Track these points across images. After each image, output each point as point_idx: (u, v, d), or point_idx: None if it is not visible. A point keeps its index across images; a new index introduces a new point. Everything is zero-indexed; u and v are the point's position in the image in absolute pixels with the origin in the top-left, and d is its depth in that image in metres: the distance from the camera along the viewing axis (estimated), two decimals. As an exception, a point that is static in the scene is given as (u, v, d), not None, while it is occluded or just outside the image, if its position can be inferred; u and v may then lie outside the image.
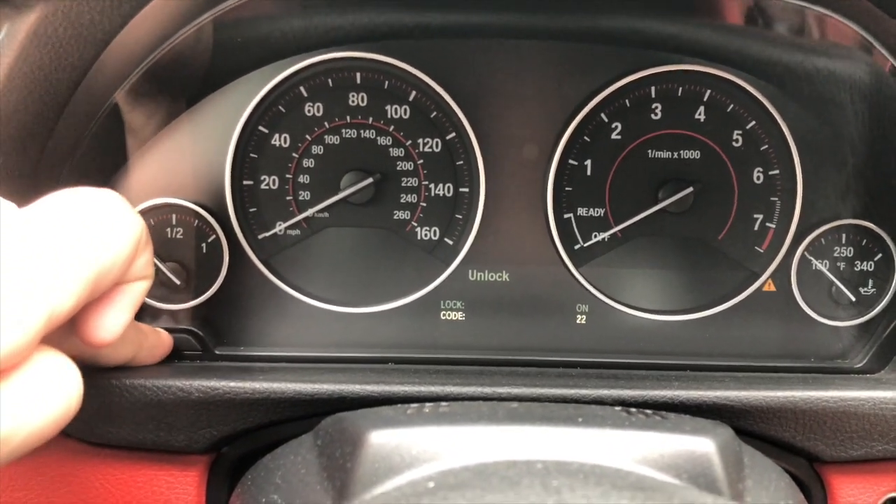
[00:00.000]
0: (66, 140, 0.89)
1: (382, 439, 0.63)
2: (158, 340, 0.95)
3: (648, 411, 0.73)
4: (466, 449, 0.61)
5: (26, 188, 0.87)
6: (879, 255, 1.07)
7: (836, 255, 1.07)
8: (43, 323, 0.59)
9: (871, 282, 1.07)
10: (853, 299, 1.06)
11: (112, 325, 0.72)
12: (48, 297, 0.60)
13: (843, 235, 1.07)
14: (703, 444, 0.63)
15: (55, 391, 0.62)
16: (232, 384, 0.88)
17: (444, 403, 0.74)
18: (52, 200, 0.68)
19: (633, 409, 0.73)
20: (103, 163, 0.99)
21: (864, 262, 1.07)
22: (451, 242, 1.08)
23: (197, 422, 0.88)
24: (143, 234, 0.73)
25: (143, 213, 1.02)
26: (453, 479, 0.53)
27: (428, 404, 0.73)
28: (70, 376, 0.64)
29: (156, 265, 1.02)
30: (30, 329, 0.58)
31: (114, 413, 0.87)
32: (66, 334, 0.73)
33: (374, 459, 0.62)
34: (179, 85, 1.00)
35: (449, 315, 1.08)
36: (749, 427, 0.90)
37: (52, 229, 0.64)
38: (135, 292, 0.75)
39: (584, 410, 0.68)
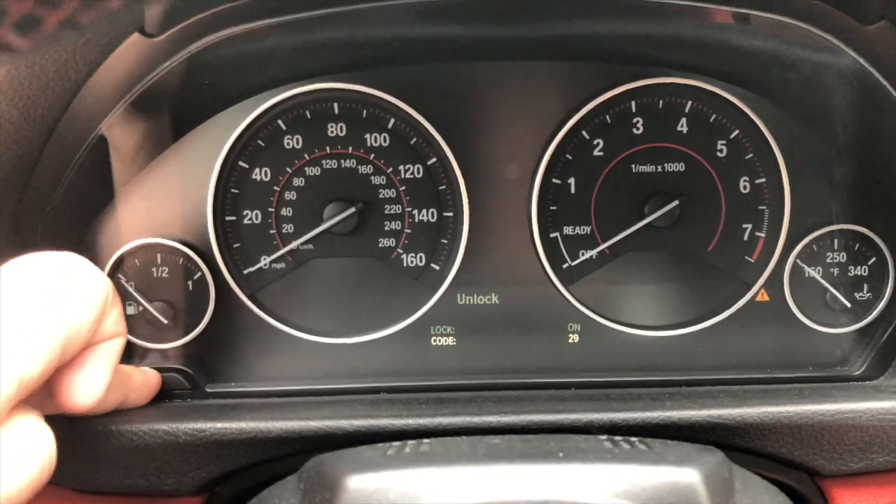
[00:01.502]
0: (43, 189, 0.90)
1: (360, 484, 0.62)
2: (145, 380, 0.95)
3: (634, 440, 0.72)
4: (444, 491, 0.60)
5: (5, 238, 0.87)
6: (873, 259, 1.05)
7: (828, 261, 1.06)
8: (13, 391, 0.59)
9: (866, 286, 1.05)
10: (848, 305, 1.05)
11: (90, 387, 0.72)
12: (16, 364, 0.60)
13: (835, 241, 1.05)
14: (687, 475, 0.62)
15: (30, 453, 0.62)
16: (219, 425, 0.87)
17: (426, 441, 0.73)
18: (14, 267, 0.68)
19: (619, 439, 0.72)
20: (83, 207, 0.99)
21: (858, 267, 1.05)
22: (437, 268, 1.07)
23: (186, 464, 0.88)
24: (111, 293, 0.73)
25: (128, 253, 1.02)
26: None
27: (410, 442, 0.72)
28: (44, 437, 0.64)
29: (142, 305, 1.02)
30: (1, 396, 0.58)
31: (102, 459, 0.86)
32: (48, 396, 0.73)
33: (352, 506, 0.61)
34: (156, 125, 1.00)
35: (439, 340, 1.07)
36: (745, 444, 0.89)
37: (15, 296, 0.64)
38: (109, 351, 0.74)
39: (566, 443, 0.67)
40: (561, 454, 0.64)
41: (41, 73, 0.77)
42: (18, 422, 0.62)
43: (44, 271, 0.68)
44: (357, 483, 0.62)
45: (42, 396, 0.72)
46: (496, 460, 0.63)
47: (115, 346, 0.75)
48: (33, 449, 0.62)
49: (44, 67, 0.76)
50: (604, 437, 0.74)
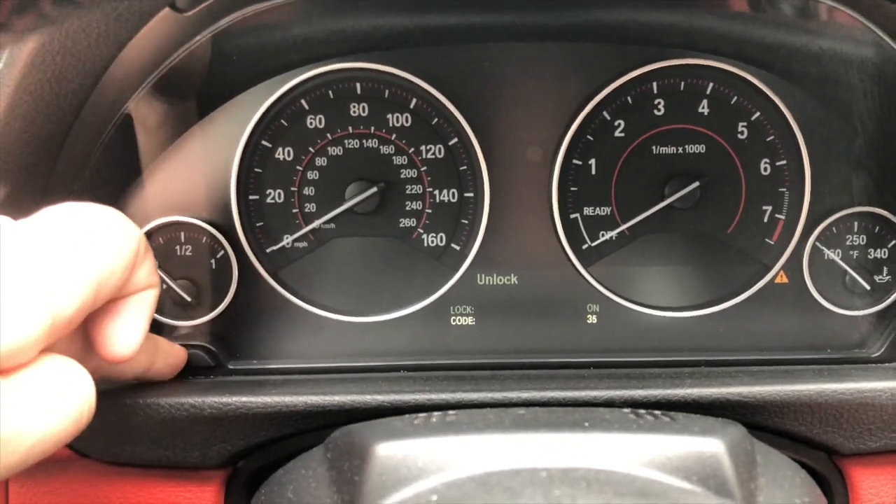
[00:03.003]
0: (71, 166, 0.91)
1: (389, 451, 0.63)
2: (172, 350, 0.96)
3: (657, 412, 0.73)
4: (472, 458, 0.61)
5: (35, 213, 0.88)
6: (893, 242, 1.05)
7: (848, 243, 1.06)
8: (47, 324, 0.60)
9: (885, 269, 1.05)
10: (868, 288, 1.05)
11: (129, 336, 0.73)
12: (50, 298, 0.61)
13: (855, 223, 1.05)
14: (711, 445, 0.63)
15: (65, 394, 0.62)
16: (244, 399, 0.89)
17: (451, 412, 0.74)
18: (49, 213, 0.70)
19: (642, 411, 0.73)
20: (109, 184, 1.01)
21: (878, 250, 1.05)
22: (457, 248, 1.07)
23: (211, 437, 0.89)
24: (142, 243, 0.74)
25: (152, 232, 1.04)
26: (457, 490, 0.53)
27: (436, 413, 0.73)
28: (80, 380, 0.64)
29: (166, 282, 1.03)
30: (33, 328, 0.59)
31: (129, 432, 0.88)
32: (81, 353, 0.74)
33: (381, 472, 0.62)
34: (181, 104, 1.01)
35: (459, 320, 1.08)
36: (765, 422, 0.89)
37: (50, 237, 0.66)
38: (144, 301, 0.76)
39: (591, 415, 0.68)
40: (586, 424, 0.65)
41: (73, 48, 0.78)
42: (53, 361, 0.63)
43: (78, 218, 0.70)
44: (386, 450, 0.63)
45: (80, 354, 0.74)
46: (523, 429, 0.64)
47: (150, 297, 0.76)
48: (69, 388, 0.63)
49: (76, 42, 0.77)
50: (627, 409, 0.74)
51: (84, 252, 0.66)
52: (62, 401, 0.62)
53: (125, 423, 0.87)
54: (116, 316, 0.73)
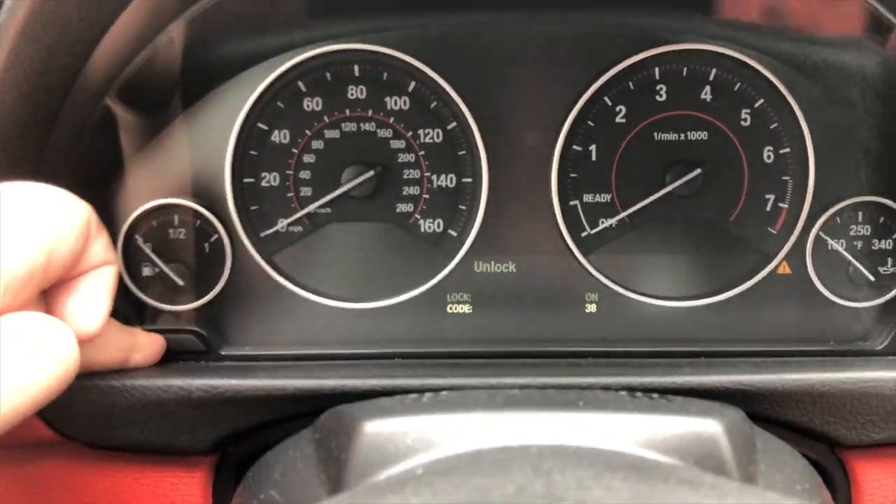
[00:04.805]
0: (61, 146, 0.89)
1: (377, 429, 0.62)
2: (150, 340, 0.94)
3: (654, 395, 0.71)
4: (461, 436, 0.59)
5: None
6: (898, 233, 1.03)
7: (852, 233, 1.04)
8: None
9: (890, 260, 1.03)
10: (872, 279, 1.03)
11: (91, 313, 0.74)
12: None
13: (860, 213, 1.03)
14: (709, 426, 0.61)
15: (44, 345, 0.64)
16: (233, 382, 0.87)
17: (443, 392, 0.72)
18: None
19: (638, 393, 0.71)
20: (101, 167, 0.99)
21: (883, 241, 1.04)
22: (455, 234, 1.06)
23: (199, 421, 0.87)
24: (93, 216, 0.76)
25: (145, 214, 1.02)
26: (444, 465, 0.51)
27: (427, 394, 0.72)
28: (60, 331, 0.66)
29: (158, 266, 1.02)
30: None
31: (115, 415, 0.86)
32: None
33: (367, 450, 0.60)
34: (173, 85, 0.99)
35: (455, 308, 1.06)
36: (766, 412, 0.88)
37: None
38: (103, 277, 0.77)
39: (585, 395, 0.66)
40: (581, 403, 0.63)
41: (65, 20, 0.76)
42: (27, 315, 0.65)
43: (21, 191, 0.71)
44: (374, 428, 0.62)
45: None
46: (515, 407, 0.62)
47: (108, 273, 0.77)
48: (49, 339, 0.64)
49: (67, 14, 0.76)
50: (623, 392, 0.73)
51: (32, 218, 0.68)
52: (43, 352, 0.63)
53: (111, 405, 0.85)
54: (76, 292, 0.75)
